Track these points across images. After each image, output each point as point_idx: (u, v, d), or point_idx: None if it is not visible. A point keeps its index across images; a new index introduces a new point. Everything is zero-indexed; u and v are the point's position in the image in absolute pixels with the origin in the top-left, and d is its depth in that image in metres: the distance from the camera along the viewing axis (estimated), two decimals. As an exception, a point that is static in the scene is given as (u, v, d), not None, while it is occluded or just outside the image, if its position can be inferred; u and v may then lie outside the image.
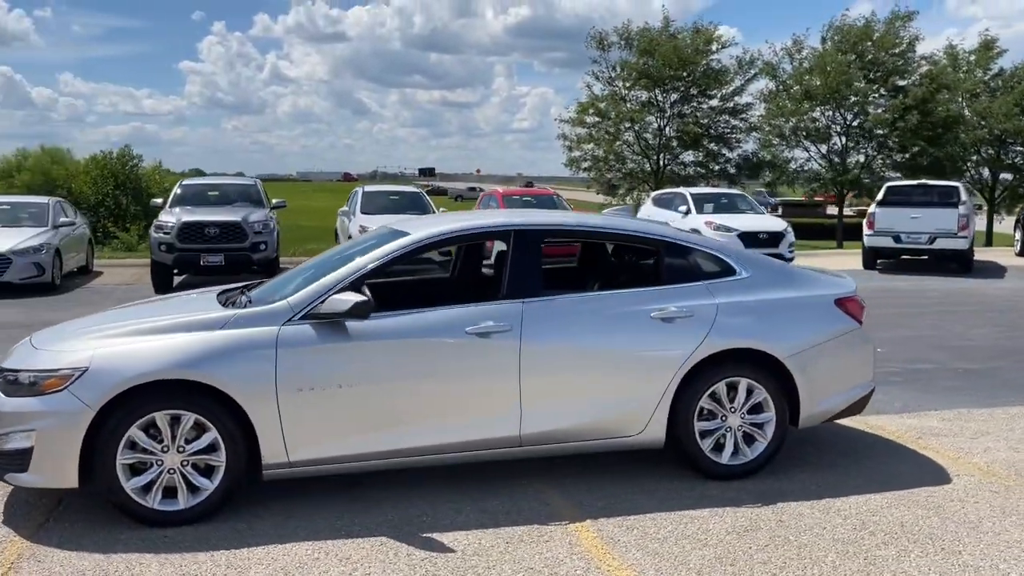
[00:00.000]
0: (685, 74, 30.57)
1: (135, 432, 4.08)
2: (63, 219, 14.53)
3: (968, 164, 32.31)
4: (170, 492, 4.17)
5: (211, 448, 4.18)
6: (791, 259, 16.91)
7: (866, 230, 17.58)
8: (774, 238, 16.65)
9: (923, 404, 6.69)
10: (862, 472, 5.04)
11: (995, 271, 17.22)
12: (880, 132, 29.59)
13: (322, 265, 4.88)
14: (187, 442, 4.16)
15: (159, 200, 15.08)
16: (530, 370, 4.52)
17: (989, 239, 30.29)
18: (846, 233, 28.77)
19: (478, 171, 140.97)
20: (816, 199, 34.36)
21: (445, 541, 4.04)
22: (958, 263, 16.90)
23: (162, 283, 13.15)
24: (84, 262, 15.75)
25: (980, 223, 29.00)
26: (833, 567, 3.81)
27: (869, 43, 29.33)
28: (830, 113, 30.45)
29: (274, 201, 15.39)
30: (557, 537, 4.10)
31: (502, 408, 4.51)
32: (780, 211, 33.58)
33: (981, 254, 19.50)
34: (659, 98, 31.52)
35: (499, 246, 5.08)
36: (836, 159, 30.96)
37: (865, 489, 4.75)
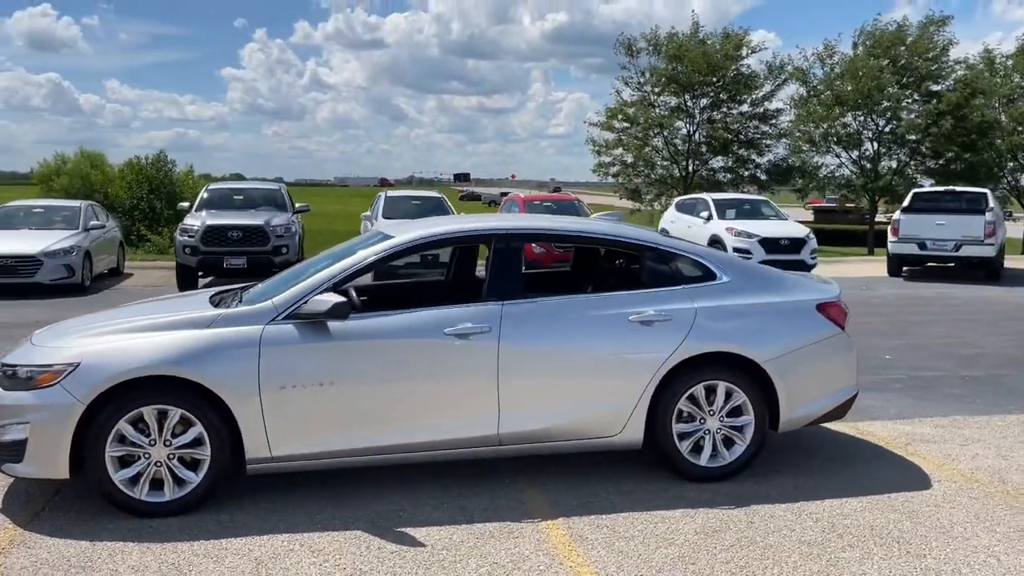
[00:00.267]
0: (715, 79, 30.46)
1: (123, 426, 4.26)
2: (94, 222, 14.93)
3: (1004, 170, 31.75)
4: (157, 484, 4.34)
5: (196, 442, 4.35)
6: (813, 266, 16.85)
7: (890, 237, 17.42)
8: (796, 244, 16.58)
9: (919, 411, 6.67)
10: (843, 476, 5.07)
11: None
12: (913, 138, 29.21)
13: (313, 267, 5.03)
14: (173, 436, 4.33)
15: (185, 204, 15.44)
16: (508, 371, 4.62)
17: (1026, 247, 29.71)
18: (878, 240, 28.42)
19: (513, 176, 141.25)
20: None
21: (417, 536, 4.16)
22: (985, 271, 16.68)
23: (187, 285, 13.45)
24: (115, 264, 16.17)
25: (1016, 231, 28.54)
26: (794, 567, 3.86)
27: (902, 48, 28.98)
28: (862, 118, 30.11)
29: (298, 205, 15.66)
30: (527, 534, 4.20)
31: (480, 408, 4.62)
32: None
33: (1014, 262, 19.24)
34: (688, 103, 31.44)
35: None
36: (868, 165, 30.61)
37: (842, 493, 4.78)
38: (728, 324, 4.91)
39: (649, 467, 5.07)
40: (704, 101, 31.38)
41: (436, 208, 16.10)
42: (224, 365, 4.34)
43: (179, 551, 3.96)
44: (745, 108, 31.46)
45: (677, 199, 21.11)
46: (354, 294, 5.09)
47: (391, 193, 17.44)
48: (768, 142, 31.49)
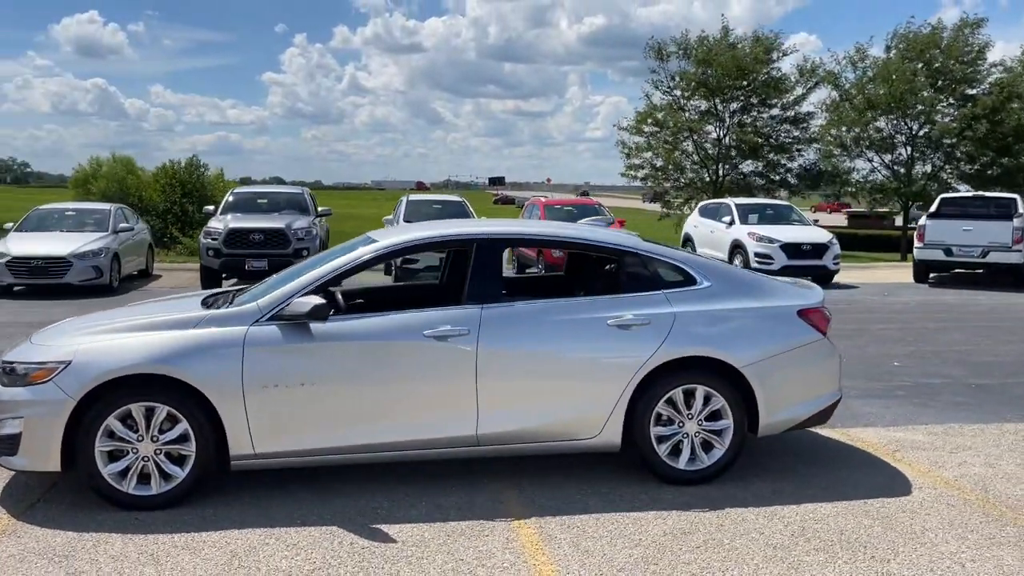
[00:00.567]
0: (744, 83, 30.26)
1: (112, 422, 4.44)
2: (123, 225, 15.31)
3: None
4: (144, 478, 4.51)
5: (182, 439, 4.51)
6: (835, 271, 16.72)
7: (916, 243, 17.23)
8: (818, 250, 16.44)
9: (916, 418, 6.64)
10: (823, 482, 5.09)
11: (1054, 287, 16.66)
12: (948, 142, 28.75)
13: (302, 270, 5.17)
14: (160, 432, 4.50)
15: (211, 207, 15.78)
16: (487, 373, 4.72)
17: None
18: (911, 245, 28.00)
19: (548, 180, 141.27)
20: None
21: (390, 532, 4.27)
22: (1014, 277, 16.41)
23: (210, 287, 13.71)
24: (144, 265, 16.56)
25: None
26: (755, 569, 3.90)
27: (936, 50, 28.54)
28: (895, 122, 29.70)
29: (320, 209, 15.91)
30: (498, 532, 4.29)
31: (459, 408, 4.72)
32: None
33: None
34: (718, 107, 31.26)
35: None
36: (901, 170, 30.18)
37: (819, 498, 4.81)
38: (707, 329, 4.96)
39: (629, 470, 5.14)
40: (734, 105, 31.18)
41: (457, 212, 16.25)
42: (209, 364, 4.49)
43: (159, 543, 4.12)
44: (776, 112, 31.20)
45: (701, 203, 21.03)
46: (340, 296, 5.23)
47: (413, 197, 17.65)
48: (799, 147, 31.18)
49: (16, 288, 13.88)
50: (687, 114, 31.54)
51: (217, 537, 4.19)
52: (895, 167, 30.33)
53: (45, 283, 13.62)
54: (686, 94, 31.47)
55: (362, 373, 4.64)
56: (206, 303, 5.11)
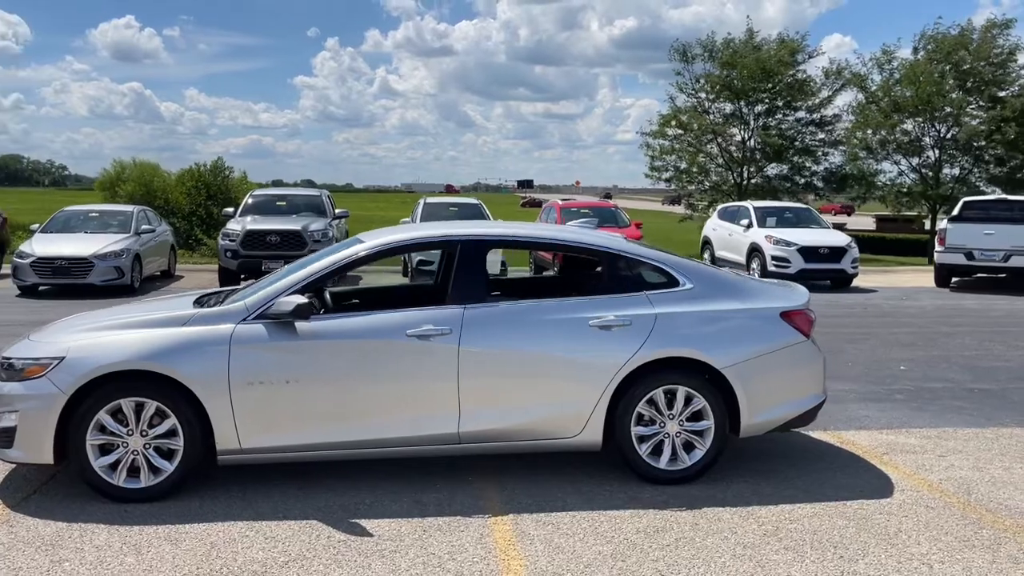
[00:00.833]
0: (770, 85, 30.08)
1: (103, 416, 4.58)
2: (145, 226, 15.61)
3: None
4: (134, 471, 4.65)
5: (171, 433, 4.64)
6: (854, 275, 16.61)
7: (937, 247, 17.06)
8: (836, 253, 16.33)
9: (911, 421, 6.62)
10: (805, 483, 5.10)
11: (1079, 292, 16.41)
12: (977, 144, 28.36)
13: (291, 270, 5.29)
14: (150, 427, 4.63)
15: (230, 209, 16.04)
16: (468, 372, 4.80)
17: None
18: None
19: (577, 183, 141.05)
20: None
21: (368, 527, 4.37)
22: (1036, 282, 16.20)
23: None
24: (166, 266, 16.87)
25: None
26: (722, 567, 3.95)
27: (964, 52, 28.18)
28: (922, 125, 29.35)
29: (337, 211, 16.10)
30: (473, 528, 4.37)
31: (441, 407, 4.81)
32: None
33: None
34: (743, 110, 31.11)
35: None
36: (929, 173, 29.82)
37: (798, 499, 4.83)
38: (688, 330, 5.00)
39: (614, 469, 5.19)
40: (759, 107, 31.00)
41: (472, 214, 16.37)
42: (197, 361, 4.62)
43: (144, 534, 4.25)
44: (801, 115, 30.97)
45: (720, 206, 20.96)
46: (328, 296, 5.34)
47: (430, 200, 17.80)
48: (825, 150, 30.92)
49: (41, 288, 14.21)
50: (711, 117, 31.42)
51: (199, 529, 4.31)
52: (922, 170, 29.97)
53: (68, 283, 13.94)
54: (711, 96, 31.36)
55: (346, 371, 4.75)
56: (199, 302, 5.25)
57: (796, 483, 5.11)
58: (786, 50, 29.61)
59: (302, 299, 4.67)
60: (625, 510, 4.64)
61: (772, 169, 31.72)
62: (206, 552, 4.05)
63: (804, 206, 19.98)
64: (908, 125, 29.49)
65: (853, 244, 16.67)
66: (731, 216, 18.81)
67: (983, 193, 26.74)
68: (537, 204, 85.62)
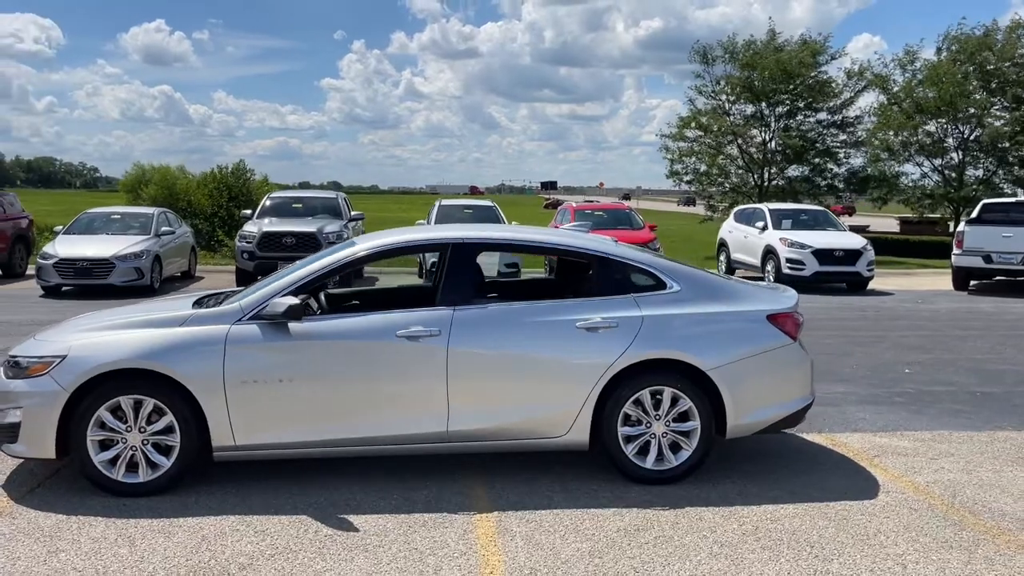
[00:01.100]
0: (791, 87, 29.92)
1: (103, 413, 4.74)
2: (165, 228, 15.89)
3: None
4: (132, 467, 4.80)
5: (168, 430, 4.79)
6: (869, 278, 16.54)
7: (954, 249, 16.93)
8: (851, 256, 16.28)
9: (908, 424, 6.64)
10: (792, 485, 5.15)
11: (1098, 295, 16.22)
12: (1001, 146, 28.05)
13: (286, 273, 5.42)
14: (148, 424, 4.79)
15: (248, 211, 16.26)
16: (457, 372, 4.91)
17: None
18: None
19: (601, 184, 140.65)
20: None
21: (356, 522, 4.49)
22: (1056, 286, 16.03)
23: (244, 288, 14.20)
24: (186, 267, 17.15)
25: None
26: (697, 565, 4.02)
27: (988, 53, 27.89)
28: (945, 126, 29.09)
29: (352, 213, 16.30)
30: (457, 525, 4.48)
31: (430, 406, 4.92)
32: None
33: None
34: (764, 111, 30.96)
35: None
36: (952, 174, 29.53)
37: (783, 500, 4.89)
38: (674, 332, 5.08)
39: (600, 469, 5.27)
40: (780, 109, 30.85)
41: (487, 216, 16.50)
42: (193, 360, 4.77)
43: (139, 526, 4.40)
44: (823, 116, 30.78)
45: (736, 208, 20.93)
46: (323, 297, 5.46)
47: (445, 202, 17.95)
48: (846, 151, 30.69)
49: (64, 288, 14.51)
50: (731, 118, 31.30)
51: (192, 522, 4.46)
52: (945, 172, 29.69)
53: (90, 283, 14.22)
54: (731, 98, 31.25)
55: (337, 370, 4.87)
56: (199, 303, 5.40)
57: (783, 484, 5.17)
58: (808, 51, 29.43)
59: (294, 300, 4.80)
60: (609, 509, 4.72)
61: (793, 171, 31.53)
62: (196, 544, 4.18)
63: (821, 208, 19.91)
64: (931, 126, 29.24)
65: (869, 247, 16.59)
66: (747, 218, 18.79)
67: (1007, 195, 26.45)
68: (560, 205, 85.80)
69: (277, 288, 4.98)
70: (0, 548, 4.13)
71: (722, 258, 19.48)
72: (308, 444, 4.90)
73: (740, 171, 32.06)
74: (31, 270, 16.15)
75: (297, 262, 5.61)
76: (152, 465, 4.81)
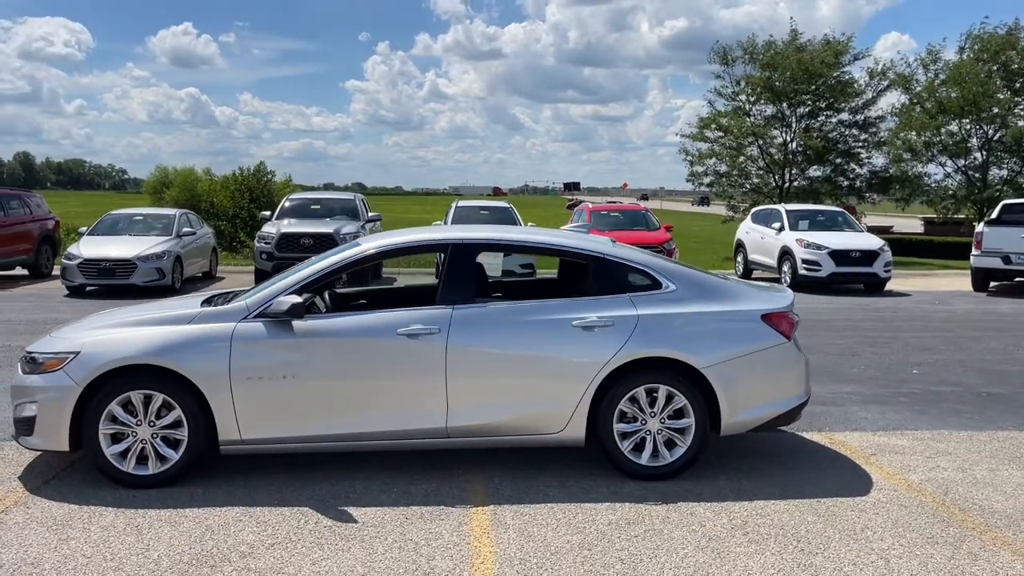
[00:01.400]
0: (813, 87, 29.79)
1: (114, 407, 4.92)
2: (186, 229, 16.18)
3: None
4: (142, 459, 4.98)
5: (176, 424, 4.97)
6: (887, 279, 16.48)
7: (973, 250, 16.82)
8: (868, 256, 16.23)
9: (909, 424, 6.68)
10: (786, 481, 5.23)
11: (1118, 296, 16.05)
12: (1027, 146, 27.73)
13: (292, 272, 5.58)
14: (157, 418, 4.96)
15: (267, 213, 16.51)
16: (456, 369, 5.04)
17: None
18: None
19: (625, 185, 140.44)
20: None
21: (355, 514, 4.63)
22: (1076, 287, 15.88)
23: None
24: (207, 268, 17.44)
25: None
26: (683, 558, 4.12)
27: (1012, 52, 27.59)
28: (968, 126, 28.81)
29: (370, 215, 16.50)
30: (452, 517, 4.61)
31: (430, 402, 5.06)
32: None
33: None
34: (785, 112, 30.85)
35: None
36: (976, 175, 29.24)
37: (775, 496, 4.97)
38: (669, 331, 5.17)
39: (597, 465, 5.38)
40: (801, 109, 30.72)
41: (503, 218, 16.63)
42: (200, 357, 4.94)
43: (147, 516, 4.57)
44: (844, 116, 30.61)
45: (754, 209, 20.90)
46: (328, 295, 5.61)
47: (462, 203, 18.11)
48: (868, 152, 30.49)
49: (88, 288, 14.82)
50: (751, 119, 31.22)
51: (198, 513, 4.62)
52: (969, 172, 29.41)
53: (112, 284, 14.53)
54: (751, 98, 31.16)
55: (340, 367, 5.02)
56: (208, 302, 5.57)
57: (777, 481, 5.25)
58: (830, 51, 29.29)
59: (297, 299, 4.95)
60: (603, 503, 4.83)
61: (814, 171, 31.38)
62: (200, 534, 4.35)
63: (839, 209, 19.82)
64: (954, 126, 28.97)
65: (886, 248, 16.53)
66: (764, 219, 18.77)
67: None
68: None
69: (282, 287, 5.14)
70: (14, 536, 4.31)
71: (739, 259, 19.48)
72: (311, 439, 5.05)
73: (761, 172, 31.96)
74: (57, 270, 16.49)
75: (303, 262, 5.77)
76: (161, 458, 4.98)
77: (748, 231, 19.25)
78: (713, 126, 31.26)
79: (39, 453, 5.44)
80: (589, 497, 4.93)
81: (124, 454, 4.97)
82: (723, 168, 31.96)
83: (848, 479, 5.31)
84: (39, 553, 4.11)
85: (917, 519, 4.64)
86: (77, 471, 5.27)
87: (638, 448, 5.20)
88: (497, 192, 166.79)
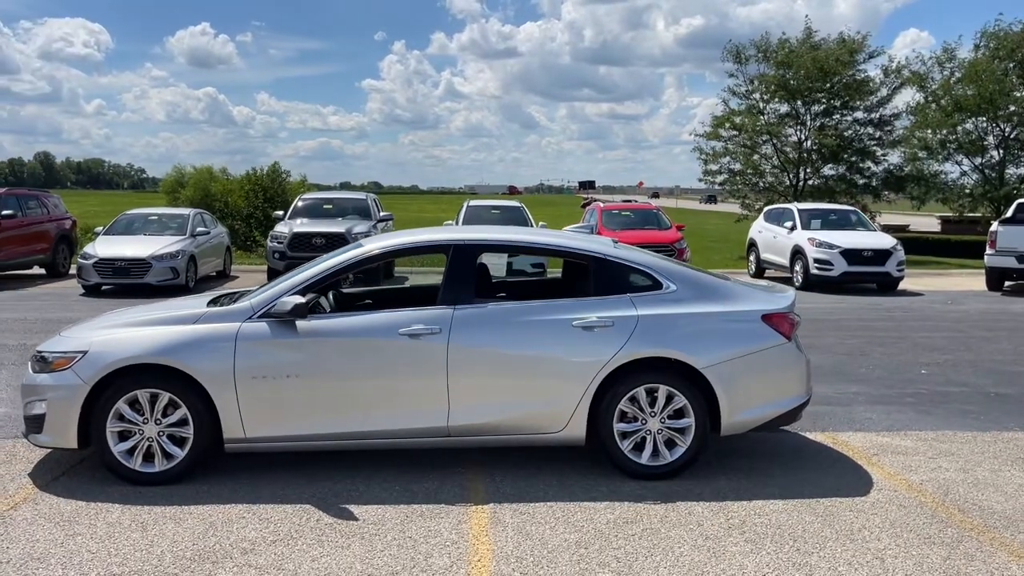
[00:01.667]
0: (827, 85, 29.64)
1: (122, 406, 5.01)
2: (200, 229, 16.32)
3: None
4: (149, 457, 5.06)
5: (182, 422, 5.05)
6: (899, 278, 16.40)
7: (987, 249, 16.72)
8: (880, 256, 16.15)
9: (913, 424, 6.67)
10: (786, 481, 5.25)
11: None
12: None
13: (297, 272, 5.65)
14: (163, 416, 5.04)
15: (280, 213, 16.63)
16: (457, 369, 5.09)
17: None
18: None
19: (640, 184, 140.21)
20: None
21: (356, 512, 4.70)
22: (1091, 286, 15.75)
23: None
24: (221, 267, 17.58)
25: None
26: (678, 556, 4.15)
27: (1029, 49, 27.36)
28: (984, 124, 28.60)
29: (381, 214, 16.58)
30: (452, 515, 4.66)
31: (431, 401, 5.11)
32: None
33: None
34: (800, 110, 30.71)
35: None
36: (992, 173, 29.02)
37: (774, 496, 4.99)
38: (669, 331, 5.20)
39: (598, 464, 5.41)
40: (816, 108, 30.56)
41: (513, 218, 16.67)
42: (205, 356, 5.01)
43: (152, 513, 4.65)
44: (860, 115, 30.42)
45: (766, 208, 20.83)
46: (332, 296, 5.68)
47: (473, 202, 18.16)
48: (883, 151, 30.29)
49: (103, 287, 14.98)
50: (765, 117, 31.09)
51: (202, 510, 4.70)
52: (985, 170, 29.19)
53: (127, 283, 14.68)
54: (765, 97, 31.03)
55: (342, 367, 5.09)
56: (214, 302, 5.65)
57: (777, 480, 5.27)
58: (845, 50, 29.12)
59: (300, 299, 5.02)
60: (602, 502, 4.86)
61: (829, 170, 31.22)
62: (204, 530, 4.42)
63: (851, 208, 19.74)
64: (970, 124, 28.76)
65: (899, 247, 16.45)
66: (776, 218, 18.72)
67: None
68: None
69: (286, 287, 5.21)
70: (21, 531, 4.40)
71: (752, 258, 19.44)
72: (314, 437, 5.11)
73: (775, 170, 31.83)
74: (73, 270, 16.68)
75: (307, 263, 5.84)
76: (167, 455, 5.06)
77: (760, 230, 19.20)
78: (727, 125, 31.16)
79: (49, 450, 5.53)
80: (589, 496, 4.96)
81: (131, 451, 5.05)
82: (737, 167, 31.86)
83: (849, 479, 5.32)
84: (45, 548, 4.20)
85: (915, 519, 4.65)
86: (86, 468, 5.37)
87: (638, 448, 5.23)
88: (512, 191, 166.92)
